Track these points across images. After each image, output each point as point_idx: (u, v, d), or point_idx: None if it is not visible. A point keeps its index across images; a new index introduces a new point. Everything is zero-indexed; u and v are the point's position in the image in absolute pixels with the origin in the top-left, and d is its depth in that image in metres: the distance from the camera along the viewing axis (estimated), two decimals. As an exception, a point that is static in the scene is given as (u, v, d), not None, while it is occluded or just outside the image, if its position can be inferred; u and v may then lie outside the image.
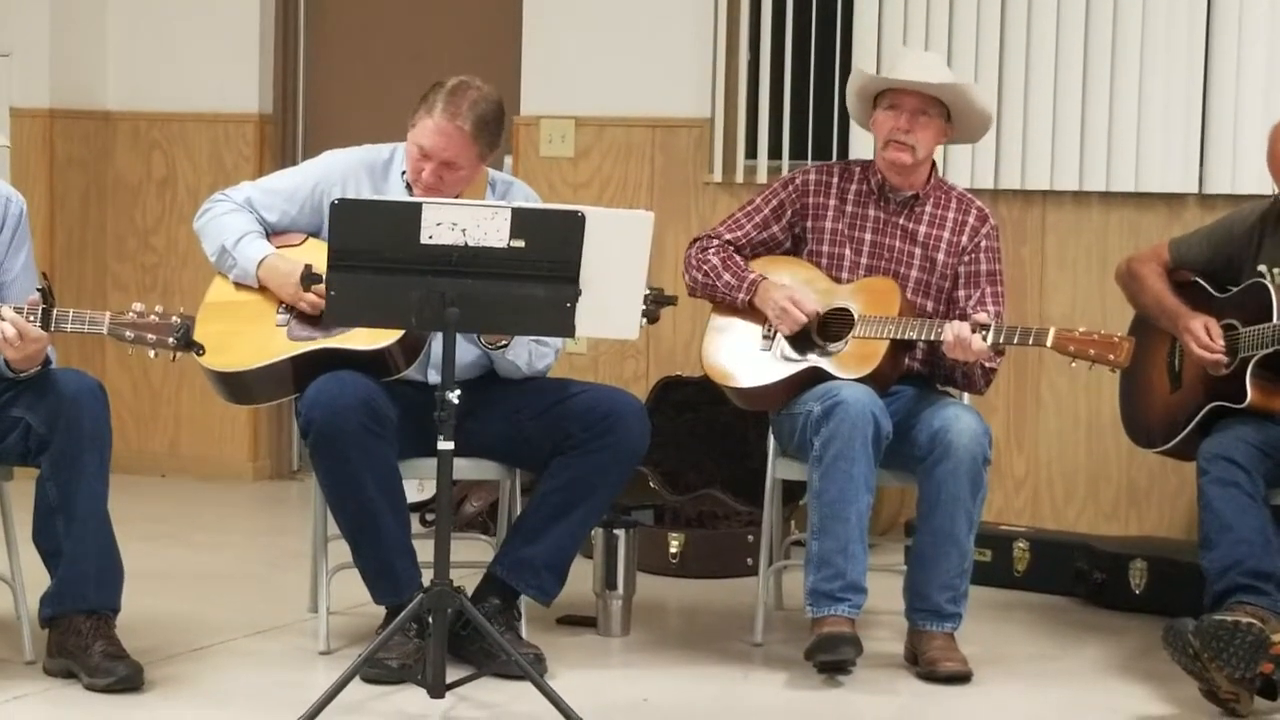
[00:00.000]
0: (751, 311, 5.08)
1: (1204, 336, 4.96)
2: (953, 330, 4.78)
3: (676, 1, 6.77)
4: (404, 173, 4.91)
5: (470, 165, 4.81)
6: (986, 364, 4.94)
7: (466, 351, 4.84)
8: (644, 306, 4.45)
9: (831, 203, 5.15)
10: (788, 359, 4.99)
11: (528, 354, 4.89)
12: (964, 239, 5.10)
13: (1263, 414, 4.91)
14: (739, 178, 6.70)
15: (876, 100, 5.09)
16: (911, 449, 4.86)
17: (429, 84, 4.85)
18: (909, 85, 5.00)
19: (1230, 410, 4.94)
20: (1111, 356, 4.72)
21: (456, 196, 4.75)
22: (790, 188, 5.19)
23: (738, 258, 5.14)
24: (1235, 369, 4.94)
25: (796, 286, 5.05)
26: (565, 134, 6.91)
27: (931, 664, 4.85)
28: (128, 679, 4.50)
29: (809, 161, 6.50)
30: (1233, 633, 4.55)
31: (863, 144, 6.40)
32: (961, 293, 5.08)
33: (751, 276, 5.08)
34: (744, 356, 5.07)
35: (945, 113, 5.05)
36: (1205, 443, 4.89)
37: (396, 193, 4.89)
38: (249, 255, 4.88)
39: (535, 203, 4.98)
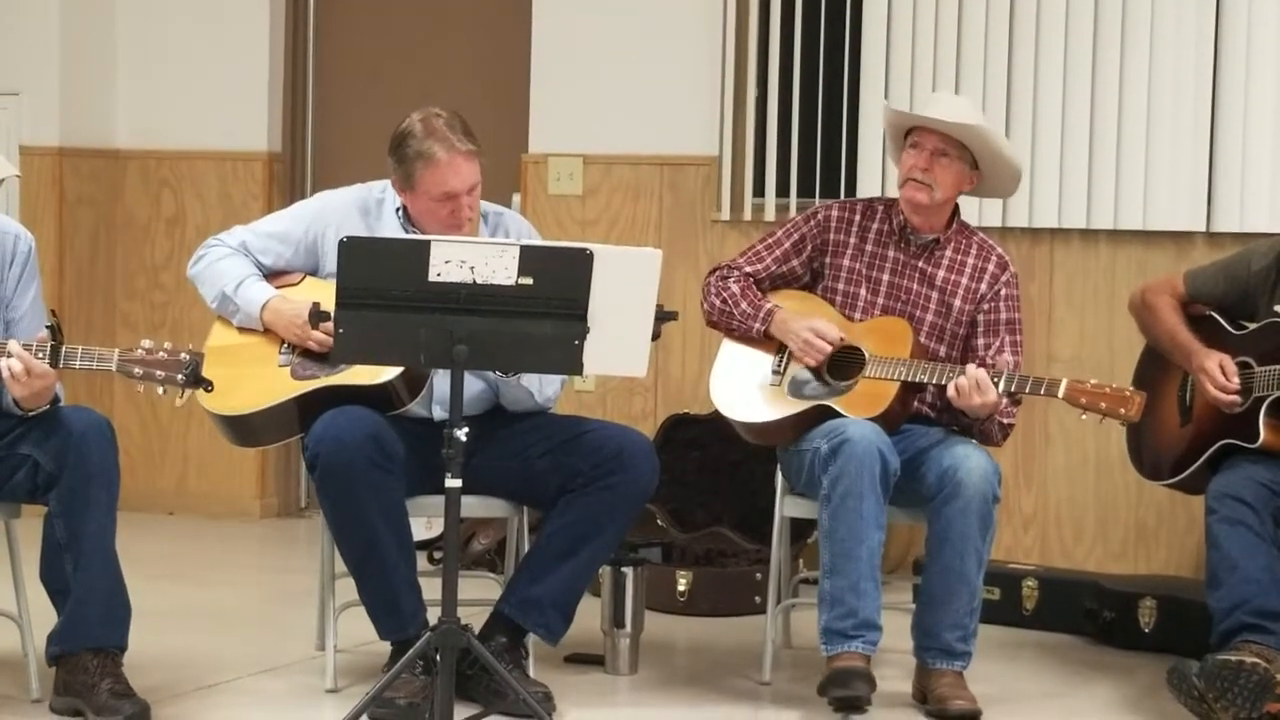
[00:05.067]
0: (765, 342, 5.07)
1: (1219, 377, 4.94)
2: (968, 375, 4.75)
3: (684, 40, 6.79)
4: (398, 210, 4.92)
5: (480, 177, 4.84)
6: (1004, 420, 4.93)
7: (471, 382, 4.83)
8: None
9: (852, 240, 5.14)
10: (797, 395, 4.98)
11: (538, 380, 4.90)
12: (983, 286, 5.09)
13: (1273, 454, 4.90)
14: (747, 215, 6.70)
15: (906, 137, 5.09)
16: (921, 487, 4.85)
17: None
18: (926, 123, 4.99)
19: (1240, 448, 4.93)
20: (1123, 411, 4.69)
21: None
22: (813, 222, 5.19)
23: (755, 289, 5.14)
24: (1248, 408, 4.93)
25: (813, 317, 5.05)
26: (573, 172, 6.92)
27: (941, 702, 4.83)
28: (135, 717, 4.48)
29: (817, 199, 6.51)
30: (1237, 673, 4.54)
31: (871, 182, 6.43)
32: (980, 341, 5.06)
33: (768, 306, 5.08)
34: (753, 390, 5.05)
35: (970, 158, 5.03)
36: (1214, 481, 4.87)
37: (391, 230, 4.90)
38: (252, 299, 4.89)
39: (528, 231, 5.02)
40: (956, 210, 5.14)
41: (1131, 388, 4.76)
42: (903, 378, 4.89)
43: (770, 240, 5.21)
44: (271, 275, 4.98)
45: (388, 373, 4.70)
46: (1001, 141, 5.14)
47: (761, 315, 5.07)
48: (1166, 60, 6.21)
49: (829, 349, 4.95)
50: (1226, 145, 6.16)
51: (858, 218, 5.16)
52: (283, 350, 4.86)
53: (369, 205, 4.98)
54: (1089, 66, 6.29)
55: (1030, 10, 6.34)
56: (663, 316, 4.60)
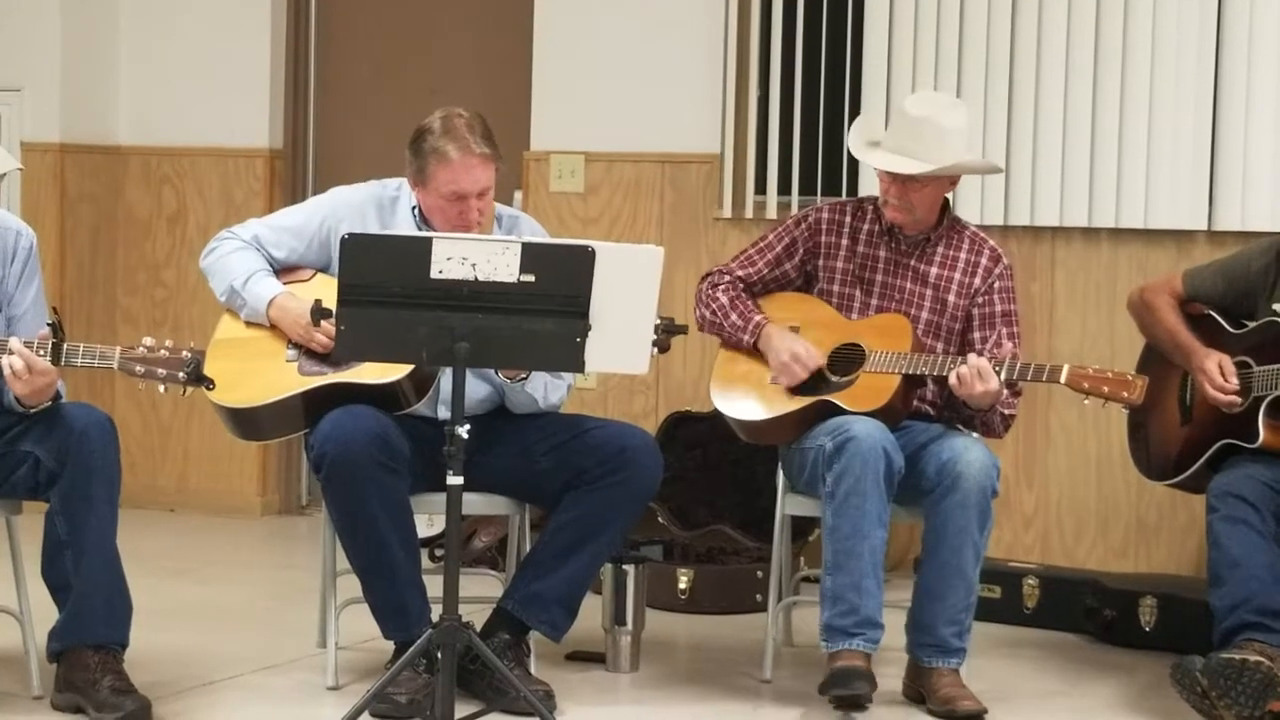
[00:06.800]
0: (758, 351, 5.08)
1: (1218, 377, 4.95)
2: (970, 364, 4.75)
3: (686, 38, 6.78)
4: (414, 208, 4.92)
5: (494, 182, 4.83)
6: (1005, 410, 4.94)
7: (477, 387, 4.85)
8: (655, 336, 4.45)
9: (843, 242, 5.14)
10: (797, 393, 4.99)
11: (544, 387, 4.89)
12: (976, 280, 5.09)
13: (1274, 453, 4.90)
14: (748, 213, 6.70)
15: None
16: (919, 481, 4.85)
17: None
18: (887, 168, 4.97)
19: (1240, 447, 4.93)
20: (1125, 394, 4.70)
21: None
22: (803, 226, 5.19)
23: (746, 297, 5.14)
24: (1248, 407, 4.93)
25: (807, 327, 5.05)
26: (575, 169, 6.92)
27: (948, 703, 4.81)
28: (135, 714, 4.48)
29: (819, 197, 6.51)
30: (1240, 671, 4.54)
31: (872, 179, 6.40)
32: (977, 334, 5.06)
33: (756, 319, 5.08)
34: (753, 389, 5.06)
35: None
36: (1215, 480, 4.88)
37: (406, 228, 4.90)
38: (259, 294, 4.88)
39: (542, 236, 5.00)
40: (947, 205, 5.13)
41: (1134, 372, 4.76)
42: (904, 370, 4.89)
43: (762, 244, 5.22)
44: (283, 270, 4.97)
45: (395, 372, 4.70)
46: (969, 164, 5.13)
47: (750, 328, 5.08)
48: (1169, 58, 6.20)
49: (804, 377, 4.96)
50: (1228, 144, 6.16)
51: (848, 219, 5.16)
52: (290, 345, 4.86)
53: (384, 202, 4.97)
54: (1091, 64, 6.28)
55: (1032, 8, 6.34)
56: (672, 329, 4.61)
